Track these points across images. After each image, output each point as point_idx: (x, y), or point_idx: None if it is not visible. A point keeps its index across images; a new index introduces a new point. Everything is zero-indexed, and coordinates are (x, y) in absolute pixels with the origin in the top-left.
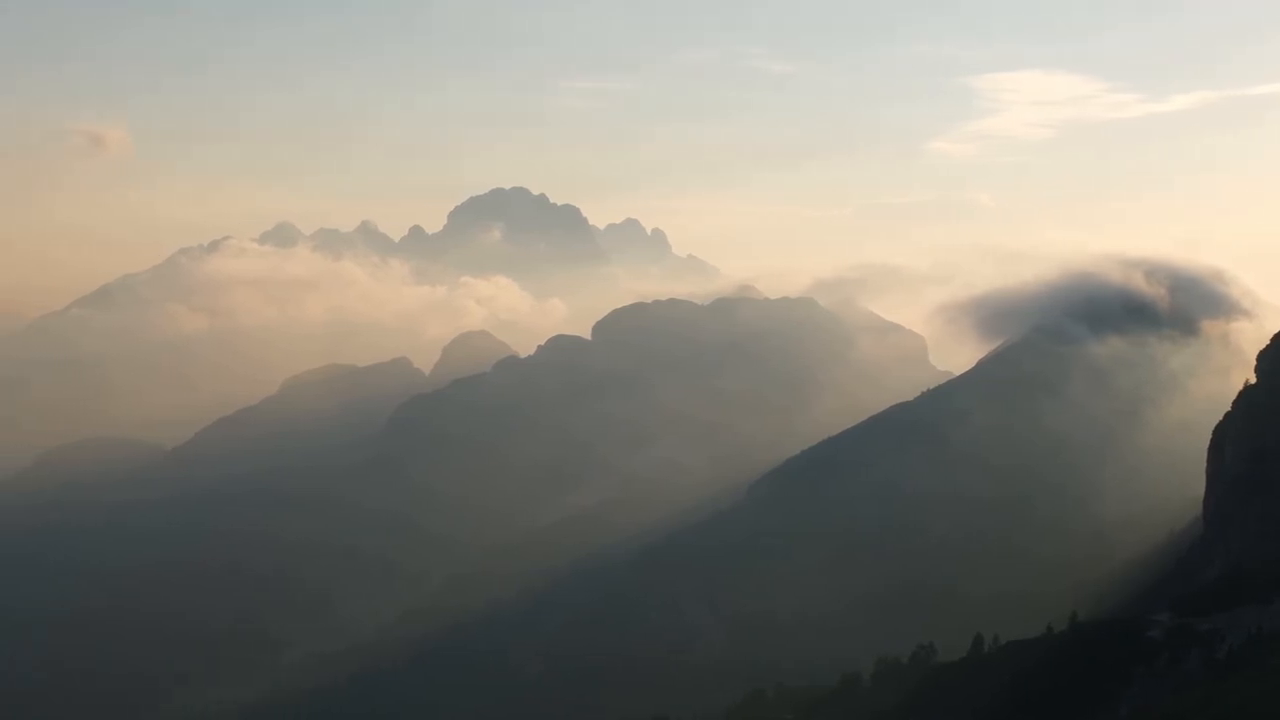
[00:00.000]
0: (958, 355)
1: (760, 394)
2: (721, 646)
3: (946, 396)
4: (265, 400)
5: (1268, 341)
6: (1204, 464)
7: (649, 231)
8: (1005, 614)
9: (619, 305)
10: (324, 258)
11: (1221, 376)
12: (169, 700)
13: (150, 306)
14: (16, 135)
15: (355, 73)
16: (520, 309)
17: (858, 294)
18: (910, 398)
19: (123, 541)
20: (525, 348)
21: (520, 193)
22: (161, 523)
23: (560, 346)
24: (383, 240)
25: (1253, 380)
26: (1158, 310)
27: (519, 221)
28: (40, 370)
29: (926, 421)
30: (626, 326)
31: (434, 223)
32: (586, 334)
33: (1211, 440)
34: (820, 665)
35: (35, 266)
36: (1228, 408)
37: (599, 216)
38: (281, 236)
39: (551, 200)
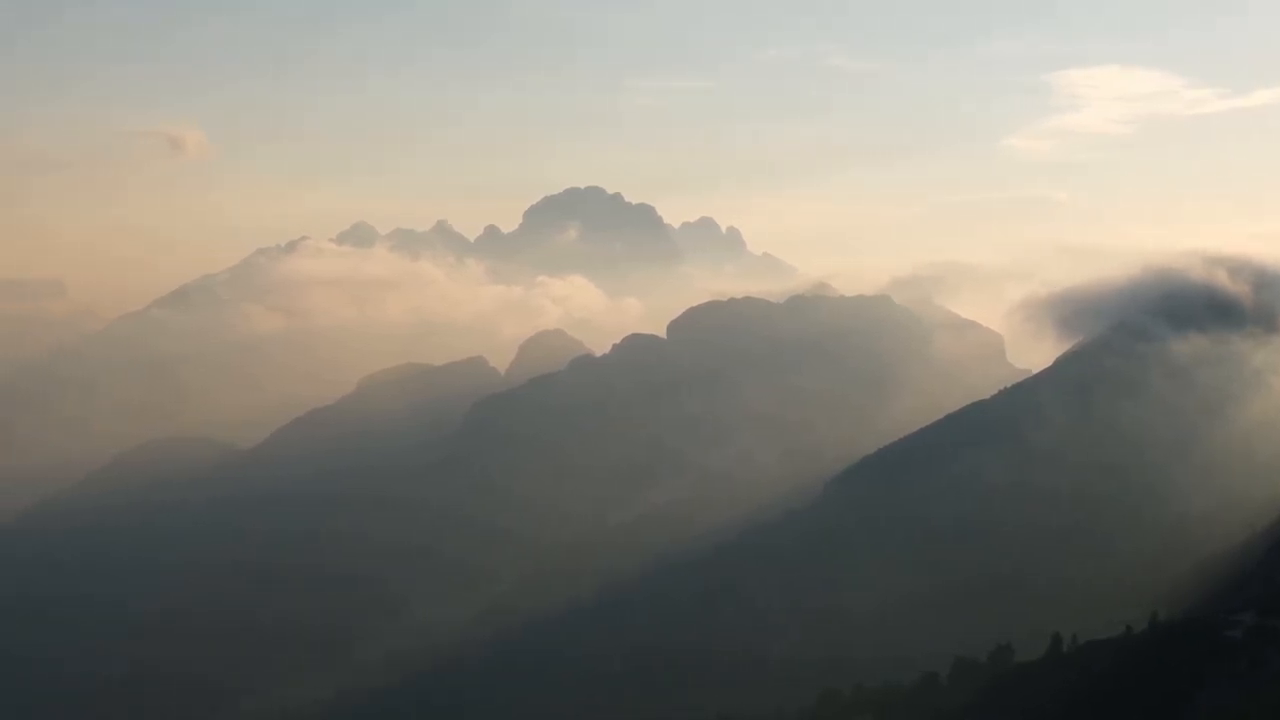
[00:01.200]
0: (1036, 353)
1: (836, 392)
2: (797, 643)
3: (1025, 394)
4: (341, 399)
5: None
6: None
7: (724, 230)
8: (1085, 613)
9: (694, 304)
10: (401, 258)
11: None
12: (242, 701)
13: (228, 307)
14: (99, 137)
15: (430, 72)
16: (595, 308)
17: (935, 292)
18: (987, 396)
19: (199, 542)
20: (600, 347)
21: (595, 192)
22: (237, 523)
23: (635, 345)
24: (458, 240)
25: None
26: (1241, 307)
27: (594, 221)
28: (119, 370)
29: (1004, 419)
30: (702, 325)
31: (509, 222)
32: (661, 333)
33: None
34: (897, 663)
35: (115, 267)
36: None
37: (674, 215)
38: (358, 237)
39: (627, 199)
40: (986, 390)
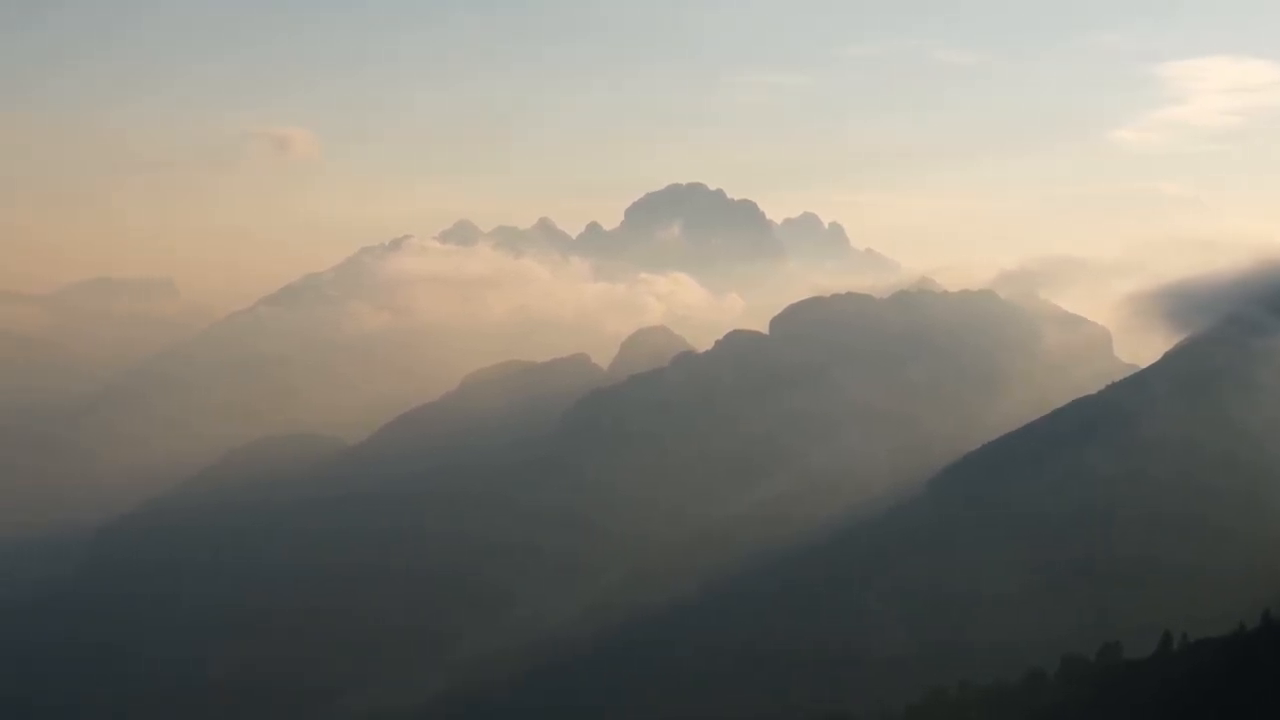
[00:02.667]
0: (1145, 347)
1: (941, 387)
2: (903, 640)
3: (1133, 389)
4: (444, 397)
5: None
6: None
7: (826, 225)
8: (1196, 609)
9: (797, 299)
10: (503, 255)
11: None
12: (344, 700)
13: (334, 305)
14: (209, 138)
15: (532, 69)
16: (697, 304)
17: (1041, 286)
18: (1094, 391)
19: (303, 541)
20: (703, 343)
21: (697, 188)
22: (341, 523)
23: (738, 341)
24: (561, 237)
25: None
26: None
27: (696, 217)
28: (227, 368)
29: (1112, 414)
30: (805, 320)
31: (611, 219)
32: (764, 329)
33: None
34: (1003, 660)
35: (224, 266)
36: None
37: (776, 211)
38: (462, 235)
39: (729, 195)
40: (1093, 385)
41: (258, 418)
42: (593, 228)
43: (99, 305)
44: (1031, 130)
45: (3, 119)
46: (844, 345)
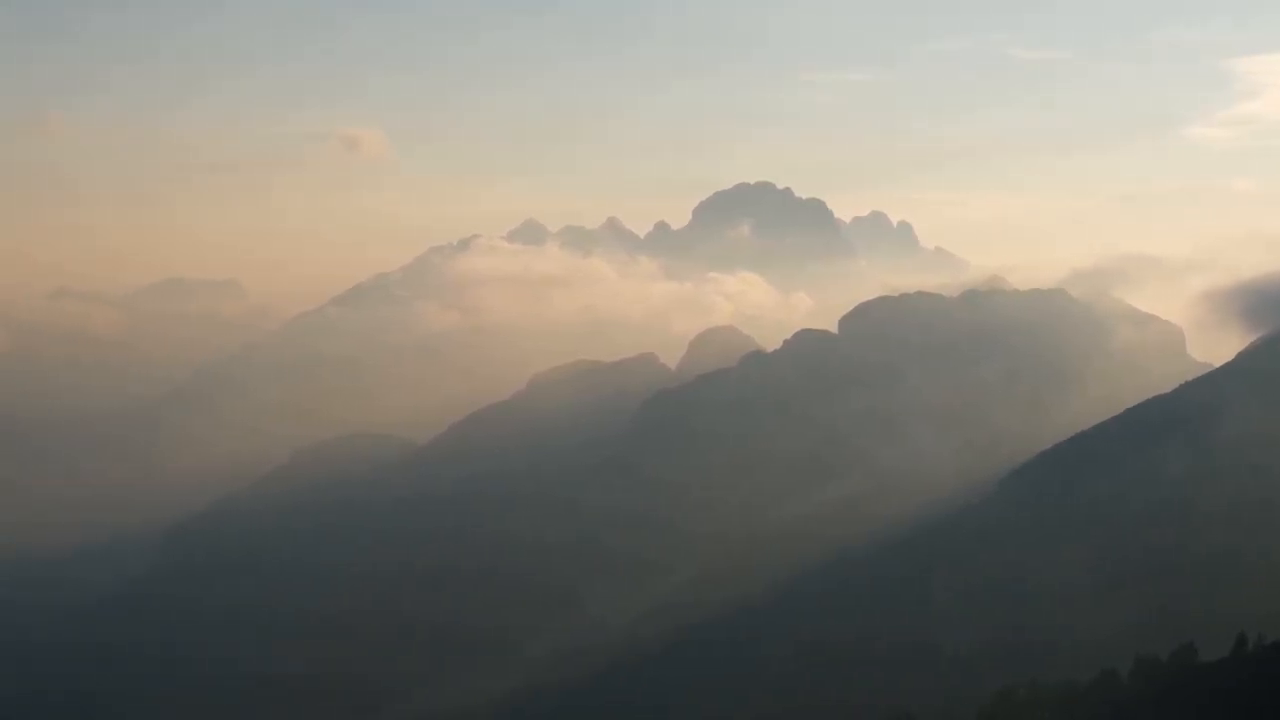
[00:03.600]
0: (1219, 346)
1: (1012, 386)
2: (973, 638)
3: (1207, 388)
4: (513, 396)
5: None
6: None
7: (895, 224)
8: (1271, 620)
9: (866, 298)
10: (572, 255)
11: None
12: (412, 700)
13: (402, 305)
14: (279, 139)
15: (598, 69)
16: (766, 304)
17: (1114, 284)
18: (1167, 390)
19: (372, 542)
20: (771, 342)
21: (765, 187)
22: (410, 523)
23: (806, 340)
24: (629, 237)
25: None
26: None
27: (765, 216)
28: (295, 368)
29: (1185, 414)
30: (874, 319)
31: (679, 219)
32: (833, 328)
33: None
34: (1074, 658)
35: (292, 267)
36: None
37: (845, 210)
38: (529, 234)
39: (797, 194)
40: (1167, 384)
41: (326, 418)
42: (661, 227)
43: (169, 306)
44: (1104, 127)
45: (75, 122)
46: (913, 344)
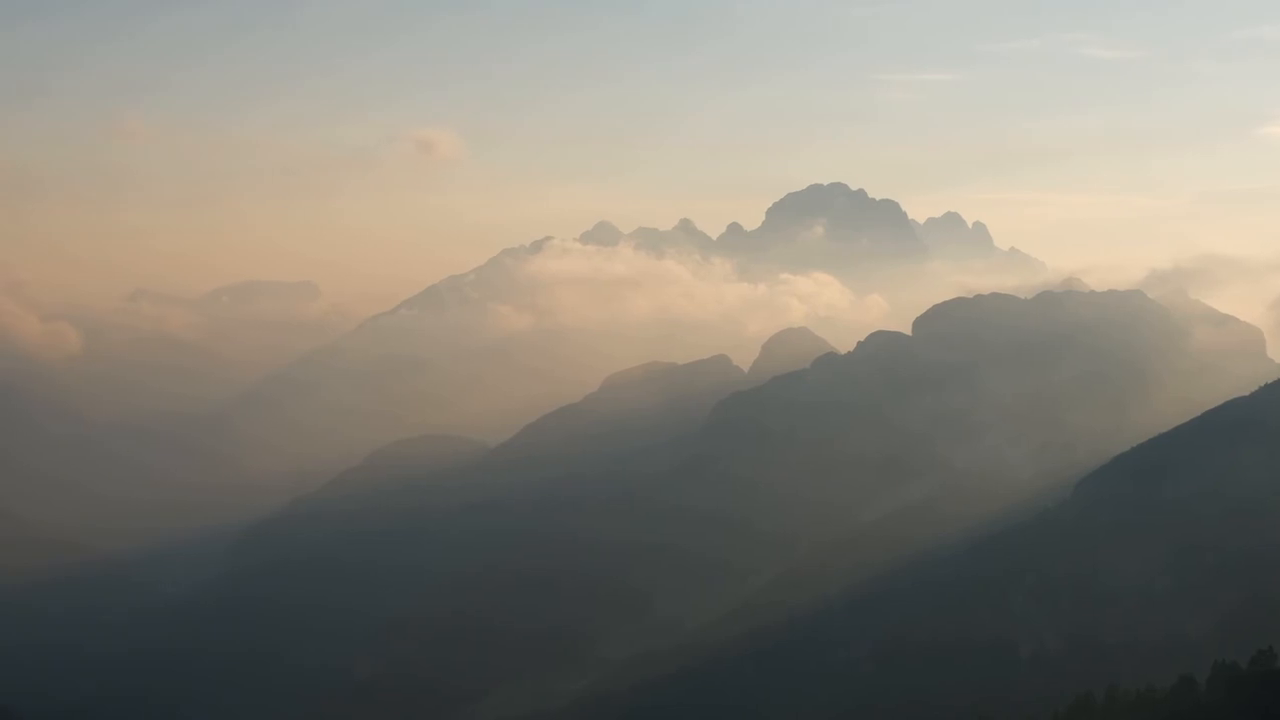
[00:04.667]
0: None
1: (1088, 389)
2: (1050, 641)
3: None
4: (586, 398)
5: None
6: None
7: (970, 225)
8: None
9: (940, 300)
10: (645, 256)
11: None
12: (486, 701)
13: (475, 307)
14: (353, 140)
15: (670, 70)
16: (839, 305)
17: (1192, 285)
18: (1246, 392)
19: (446, 543)
20: (845, 344)
21: (839, 188)
22: (484, 524)
23: (880, 342)
24: (701, 238)
25: None
26: None
27: (838, 217)
28: (369, 370)
29: (1266, 416)
30: (948, 321)
31: (751, 220)
32: (907, 329)
33: None
34: (1151, 663)
35: (367, 268)
36: None
37: (919, 211)
38: (602, 236)
39: (870, 195)
40: (1246, 386)
41: (399, 420)
42: (733, 228)
43: (245, 309)
44: (1184, 127)
45: (152, 125)
46: (989, 346)
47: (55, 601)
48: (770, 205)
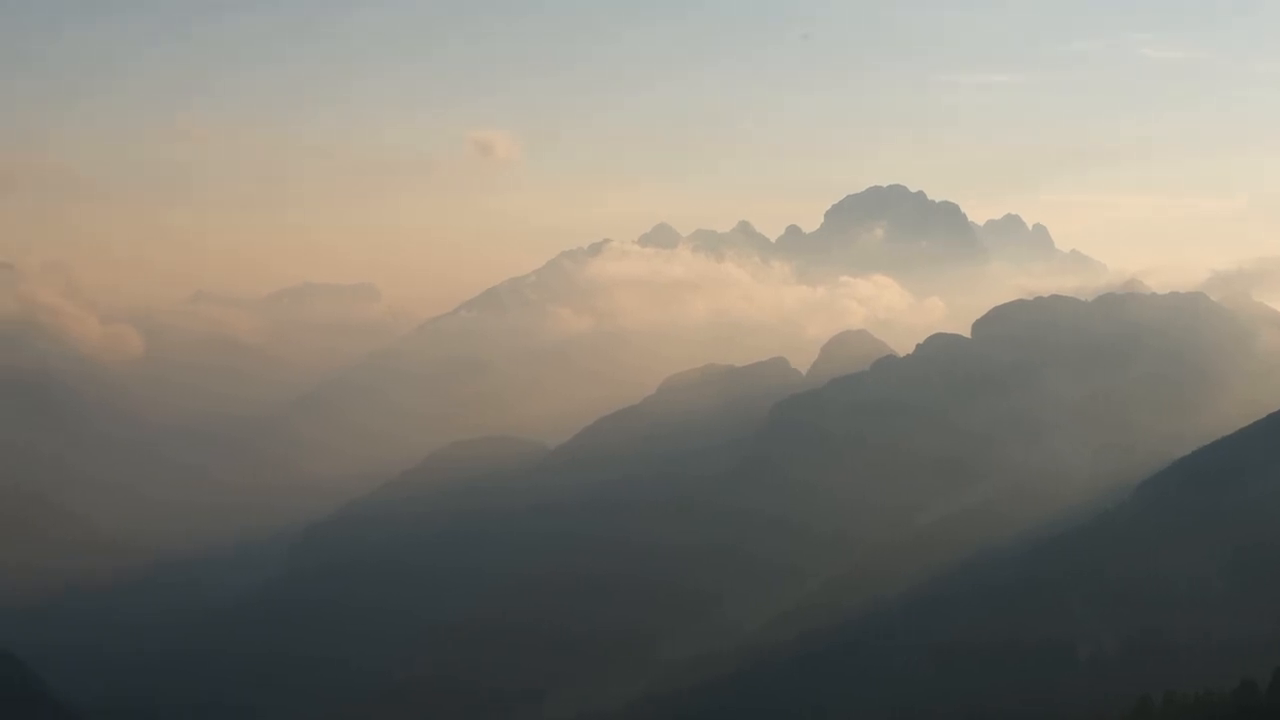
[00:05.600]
0: None
1: (1149, 392)
2: (1110, 643)
3: None
4: (644, 400)
5: None
6: None
7: (1030, 227)
8: None
9: (1000, 302)
10: (704, 258)
11: None
12: (546, 703)
13: (534, 309)
14: (412, 142)
15: (728, 72)
16: (899, 307)
17: (1256, 287)
18: None
19: (503, 545)
20: (904, 346)
21: (898, 190)
22: (541, 526)
23: (939, 345)
24: (760, 240)
25: None
26: None
27: (898, 219)
28: (428, 372)
29: None
30: (1008, 323)
31: (810, 222)
32: (966, 332)
33: None
34: (1211, 667)
35: (425, 270)
36: None
37: (979, 213)
38: (661, 238)
39: (930, 198)
40: None
41: (457, 422)
42: (792, 230)
43: (305, 311)
44: (1245, 128)
45: (212, 127)
46: (1050, 348)
47: (115, 603)
48: (829, 207)
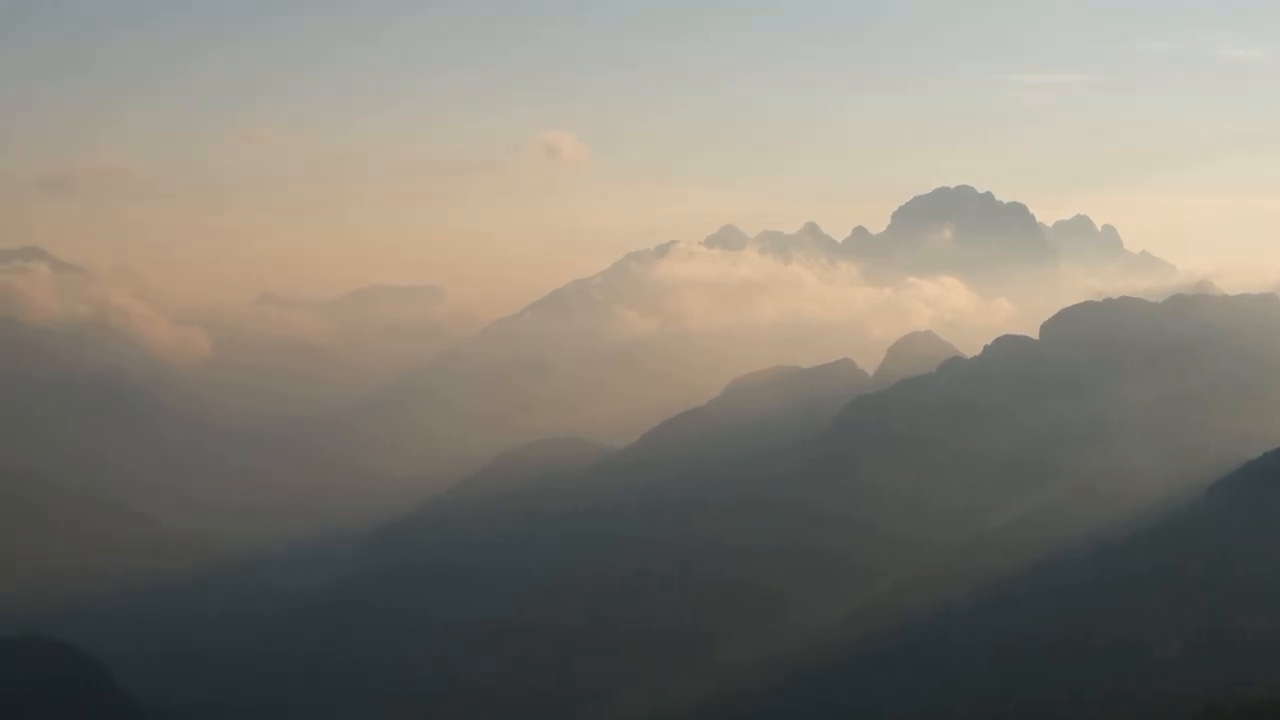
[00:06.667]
0: None
1: (1220, 394)
2: (1178, 647)
3: None
4: (710, 402)
5: None
6: None
7: (1100, 227)
8: None
9: (1069, 303)
10: (771, 260)
11: None
12: (609, 704)
13: (601, 310)
14: (479, 143)
15: (793, 74)
16: (966, 309)
17: None
18: None
19: (570, 547)
20: (971, 348)
21: (966, 191)
22: (607, 528)
23: (1007, 346)
24: (827, 241)
25: None
26: None
27: (966, 220)
28: (494, 374)
29: None
30: (1076, 325)
31: (876, 224)
32: (1034, 333)
33: None
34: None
35: (492, 272)
36: None
37: (1047, 213)
38: (728, 239)
39: (997, 198)
40: None
41: (524, 424)
42: (859, 232)
43: (371, 312)
44: None
45: (275, 128)
46: (1119, 350)
47: (182, 604)
48: (896, 208)
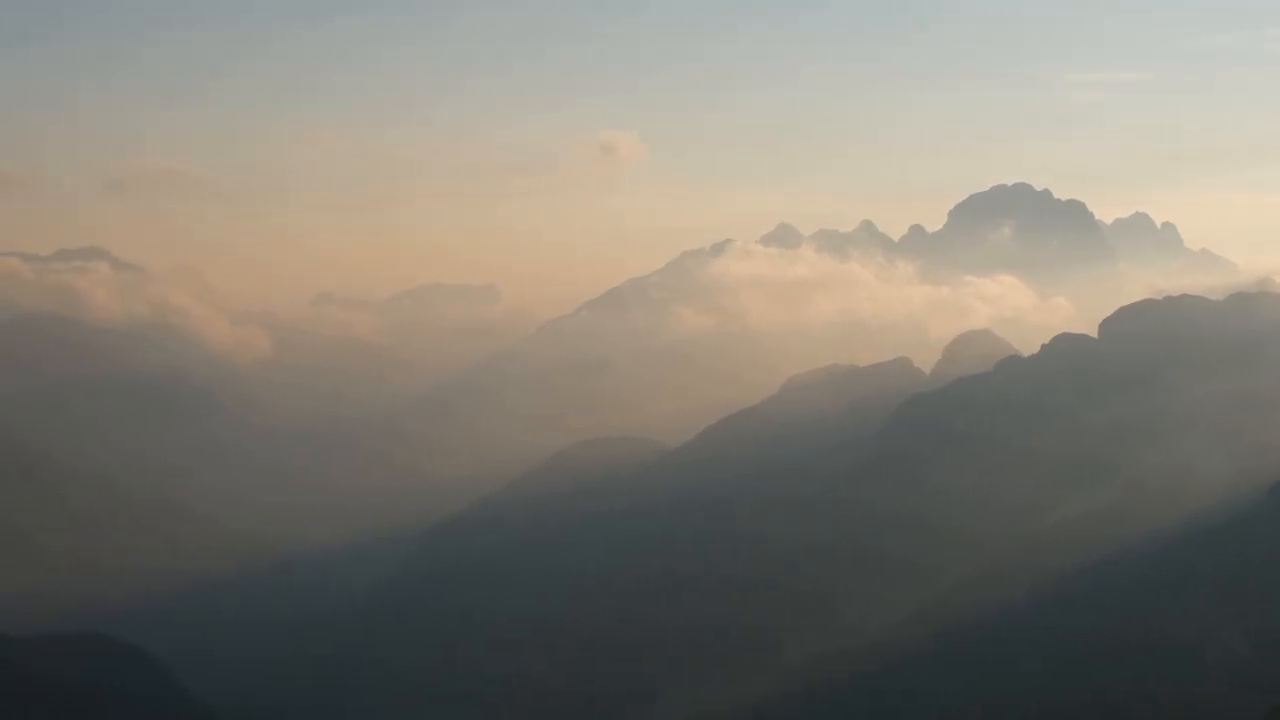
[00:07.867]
0: None
1: None
2: (1237, 648)
3: None
4: (766, 400)
5: None
6: None
7: (1159, 225)
8: None
9: (1128, 302)
10: (827, 258)
11: None
12: (660, 704)
13: (657, 308)
14: (536, 143)
15: (849, 72)
16: (1024, 307)
17: None
18: None
19: (626, 545)
20: (1029, 346)
21: (1023, 189)
22: (663, 526)
23: (1066, 344)
24: (884, 240)
25: None
26: None
27: (1023, 218)
28: (550, 372)
29: None
30: (1136, 323)
31: (933, 222)
32: (1092, 332)
33: None
34: None
35: (548, 270)
36: None
37: (1106, 211)
38: (784, 238)
39: (1056, 196)
40: None
41: (580, 422)
42: (916, 230)
43: (427, 312)
44: None
45: (330, 128)
46: (1178, 348)
47: (240, 604)
48: (953, 206)
